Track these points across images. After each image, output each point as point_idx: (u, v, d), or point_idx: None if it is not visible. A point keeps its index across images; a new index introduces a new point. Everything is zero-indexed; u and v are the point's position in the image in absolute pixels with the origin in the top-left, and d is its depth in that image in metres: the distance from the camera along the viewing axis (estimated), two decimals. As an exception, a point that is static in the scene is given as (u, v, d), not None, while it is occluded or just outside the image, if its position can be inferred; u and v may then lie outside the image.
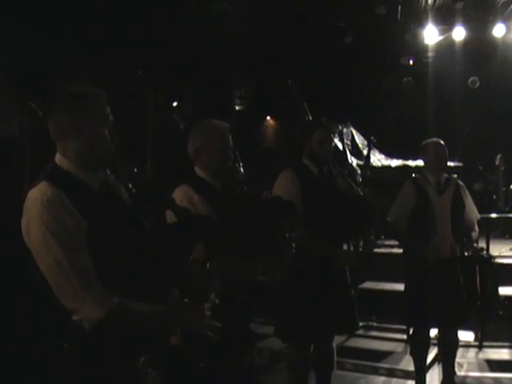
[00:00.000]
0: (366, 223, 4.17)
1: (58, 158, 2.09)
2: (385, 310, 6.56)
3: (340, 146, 9.36)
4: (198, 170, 3.12)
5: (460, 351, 5.08)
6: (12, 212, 2.12)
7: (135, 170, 2.15)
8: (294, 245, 3.09)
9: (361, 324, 6.11)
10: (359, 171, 9.18)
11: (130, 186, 2.24)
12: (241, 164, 3.23)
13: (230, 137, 3.13)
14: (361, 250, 4.33)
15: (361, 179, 8.58)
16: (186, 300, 2.19)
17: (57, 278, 1.92)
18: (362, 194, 4.20)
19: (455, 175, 5.02)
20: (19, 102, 6.33)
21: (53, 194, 1.94)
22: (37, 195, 1.95)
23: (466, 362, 5.55)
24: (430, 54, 11.68)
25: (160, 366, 2.18)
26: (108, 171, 2.20)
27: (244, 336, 3.09)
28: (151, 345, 2.13)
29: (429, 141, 4.68)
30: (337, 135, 9.33)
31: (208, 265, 2.22)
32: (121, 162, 2.15)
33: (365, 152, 10.23)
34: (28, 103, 4.75)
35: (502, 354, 5.78)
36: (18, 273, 2.27)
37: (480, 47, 11.13)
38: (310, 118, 6.29)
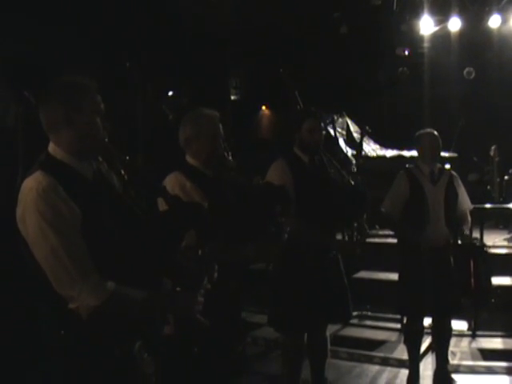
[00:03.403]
0: (357, 211, 4.17)
1: (51, 147, 2.09)
2: (379, 299, 6.59)
3: (332, 133, 9.35)
4: (189, 159, 3.14)
5: (453, 340, 5.12)
6: (7, 202, 2.12)
7: (127, 158, 2.15)
8: (287, 229, 3.10)
9: (355, 313, 6.17)
10: (354, 161, 9.18)
11: (123, 173, 2.25)
12: (230, 152, 3.24)
13: (221, 125, 3.15)
14: (355, 239, 4.31)
15: (355, 169, 8.58)
16: (178, 289, 2.20)
17: (53, 267, 1.93)
18: (353, 182, 4.20)
19: (449, 166, 5.04)
20: (13, 91, 6.31)
21: (48, 183, 1.95)
22: (32, 184, 1.96)
23: (460, 350, 5.59)
24: (426, 45, 11.63)
25: (155, 351, 2.20)
26: (100, 159, 2.21)
27: (235, 323, 3.12)
28: (146, 330, 2.15)
29: (423, 131, 4.69)
30: (329, 124, 9.31)
31: (200, 252, 2.23)
32: (113, 150, 2.16)
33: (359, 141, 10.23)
34: (22, 92, 4.74)
35: (494, 342, 5.82)
36: (14, 262, 2.28)
37: (476, 38, 11.09)
38: (302, 106, 6.27)
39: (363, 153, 10.23)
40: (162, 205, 2.35)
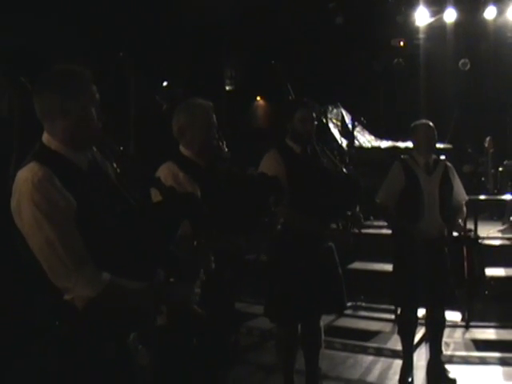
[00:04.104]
0: (350, 200, 4.17)
1: (45, 137, 2.07)
2: (373, 290, 6.62)
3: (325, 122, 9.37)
4: (182, 149, 3.13)
5: (447, 331, 5.13)
6: (1, 193, 2.11)
7: (121, 148, 2.15)
8: (279, 220, 3.10)
9: (349, 304, 6.19)
10: (346, 149, 9.22)
11: (116, 164, 2.24)
12: (224, 142, 3.22)
13: (214, 115, 3.14)
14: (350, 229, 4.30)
15: (348, 160, 8.60)
16: (171, 280, 2.20)
17: (49, 258, 1.92)
18: (346, 172, 4.19)
19: (444, 157, 5.04)
20: (8, 80, 6.28)
21: (43, 173, 1.93)
22: (27, 175, 1.94)
23: (453, 341, 5.62)
24: (421, 36, 11.61)
25: (149, 342, 2.21)
26: (94, 149, 2.20)
27: (229, 313, 3.12)
28: (141, 321, 2.15)
29: (418, 122, 4.69)
30: (322, 114, 9.33)
31: (195, 242, 2.23)
32: (108, 140, 2.15)
33: (355, 132, 10.26)
34: (18, 80, 4.72)
35: (488, 333, 5.85)
36: (9, 254, 2.27)
37: (471, 29, 11.08)
38: (294, 97, 6.26)
39: (357, 143, 10.27)
40: (155, 195, 2.34)
